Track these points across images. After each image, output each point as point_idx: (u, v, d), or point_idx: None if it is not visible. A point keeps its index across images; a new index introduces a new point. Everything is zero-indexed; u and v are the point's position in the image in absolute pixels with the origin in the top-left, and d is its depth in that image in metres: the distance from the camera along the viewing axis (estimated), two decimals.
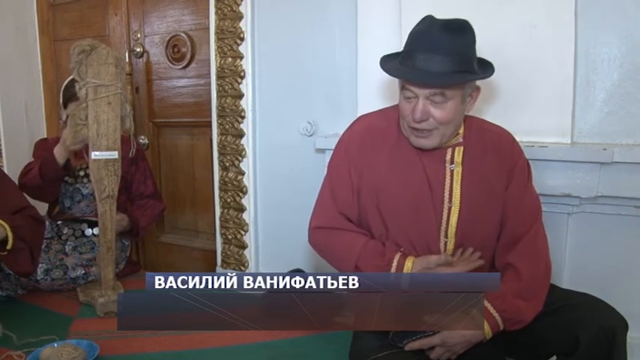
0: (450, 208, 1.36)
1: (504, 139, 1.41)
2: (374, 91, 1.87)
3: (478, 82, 1.34)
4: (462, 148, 1.37)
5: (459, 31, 1.25)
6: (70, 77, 2.16)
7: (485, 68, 1.33)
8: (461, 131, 1.37)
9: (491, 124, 1.46)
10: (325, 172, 1.52)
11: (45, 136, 2.88)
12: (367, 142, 1.42)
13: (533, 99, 1.65)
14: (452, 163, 1.36)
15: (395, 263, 1.34)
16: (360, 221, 1.45)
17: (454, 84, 1.25)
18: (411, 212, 1.37)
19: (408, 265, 1.33)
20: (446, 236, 1.37)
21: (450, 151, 1.37)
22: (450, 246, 1.37)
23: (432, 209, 1.36)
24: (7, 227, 1.71)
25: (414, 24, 1.32)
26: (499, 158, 1.38)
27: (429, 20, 1.27)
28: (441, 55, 1.22)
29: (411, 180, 1.37)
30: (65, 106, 2.18)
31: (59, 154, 2.04)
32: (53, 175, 2.07)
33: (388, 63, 1.34)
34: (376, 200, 1.40)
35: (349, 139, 1.45)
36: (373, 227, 1.42)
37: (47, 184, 2.09)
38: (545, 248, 1.36)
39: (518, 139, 1.55)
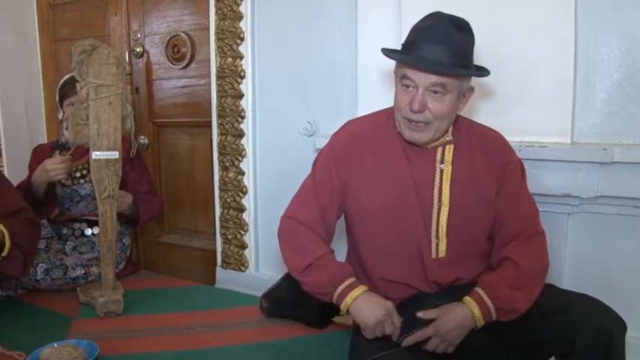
0: (439, 208, 1.36)
1: (493, 140, 1.42)
2: (374, 91, 1.87)
3: (473, 83, 1.35)
4: (452, 146, 1.38)
5: (464, 30, 1.27)
6: (66, 77, 2.17)
7: (482, 71, 1.34)
8: (450, 129, 1.38)
9: (480, 125, 1.46)
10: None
11: (45, 135, 2.91)
12: (354, 147, 1.42)
13: (533, 99, 1.65)
14: (442, 162, 1.37)
15: (343, 286, 1.32)
16: (348, 227, 1.48)
17: (459, 75, 1.27)
18: (398, 214, 1.37)
19: (356, 293, 1.30)
20: (437, 237, 1.37)
21: (440, 150, 1.37)
22: (442, 247, 1.37)
23: (420, 210, 1.36)
24: (5, 234, 1.70)
25: (414, 23, 1.32)
26: (488, 159, 1.38)
27: (436, 15, 1.29)
28: (447, 48, 1.23)
29: (396, 182, 1.37)
30: (61, 103, 2.19)
31: (38, 184, 2.06)
32: (38, 201, 2.08)
33: (390, 55, 1.34)
34: (363, 203, 1.40)
35: (335, 143, 1.46)
36: (361, 231, 1.43)
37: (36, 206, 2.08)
38: (544, 246, 1.36)
39: (517, 139, 1.54)
